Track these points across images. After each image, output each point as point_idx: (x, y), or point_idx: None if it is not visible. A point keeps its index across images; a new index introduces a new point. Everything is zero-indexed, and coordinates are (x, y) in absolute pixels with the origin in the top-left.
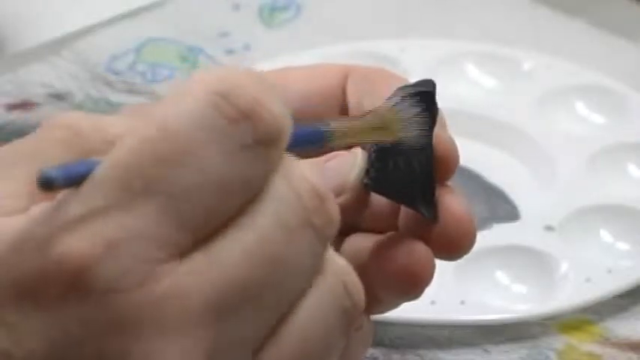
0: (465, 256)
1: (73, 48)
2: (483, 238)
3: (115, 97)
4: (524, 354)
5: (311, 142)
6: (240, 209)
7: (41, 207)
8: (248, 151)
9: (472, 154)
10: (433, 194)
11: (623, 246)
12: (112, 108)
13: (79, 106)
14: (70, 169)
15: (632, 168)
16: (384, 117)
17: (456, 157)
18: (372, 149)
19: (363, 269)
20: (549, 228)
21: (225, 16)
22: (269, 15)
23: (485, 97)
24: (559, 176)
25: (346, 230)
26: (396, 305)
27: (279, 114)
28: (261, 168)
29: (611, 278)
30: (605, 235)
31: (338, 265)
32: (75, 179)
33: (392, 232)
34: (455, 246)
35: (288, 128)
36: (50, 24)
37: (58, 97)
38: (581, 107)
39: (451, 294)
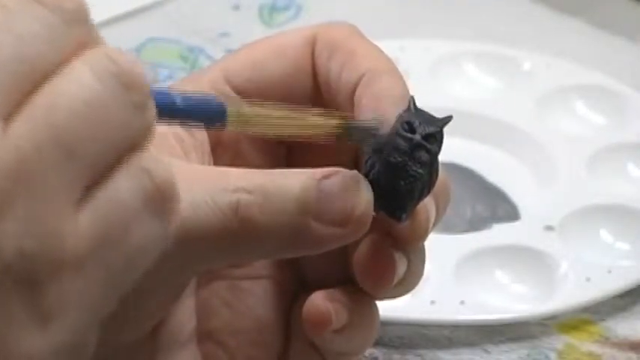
0: (465, 256)
1: None
2: (483, 238)
3: None
4: (524, 354)
5: (209, 116)
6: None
7: None
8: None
9: (472, 154)
10: (416, 204)
11: (623, 246)
12: None
13: None
14: None
15: (632, 168)
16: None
17: (422, 233)
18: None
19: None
20: (549, 228)
21: (225, 16)
22: (269, 15)
23: (485, 97)
24: (559, 176)
25: None
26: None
27: None
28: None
29: (611, 278)
30: (605, 235)
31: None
32: None
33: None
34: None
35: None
36: None
37: None
38: (581, 107)
39: (451, 294)
